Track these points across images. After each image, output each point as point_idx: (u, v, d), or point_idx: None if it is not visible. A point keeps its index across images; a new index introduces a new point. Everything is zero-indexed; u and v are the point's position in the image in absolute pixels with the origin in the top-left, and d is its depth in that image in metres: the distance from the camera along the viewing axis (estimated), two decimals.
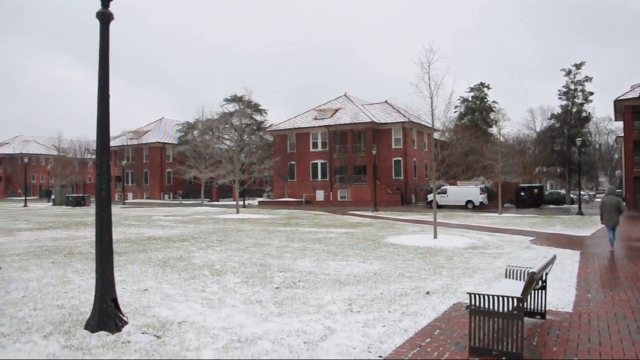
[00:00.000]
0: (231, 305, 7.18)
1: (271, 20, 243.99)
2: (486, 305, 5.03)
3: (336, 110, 54.46)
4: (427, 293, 8.05)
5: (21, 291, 8.15)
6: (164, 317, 6.46)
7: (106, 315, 5.81)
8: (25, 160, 54.88)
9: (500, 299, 4.96)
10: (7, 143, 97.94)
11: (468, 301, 5.31)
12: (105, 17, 5.90)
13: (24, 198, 56.77)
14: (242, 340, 5.56)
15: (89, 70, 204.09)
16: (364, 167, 50.09)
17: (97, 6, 5.92)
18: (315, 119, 54.63)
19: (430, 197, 42.39)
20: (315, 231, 19.67)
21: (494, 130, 55.79)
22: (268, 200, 55.24)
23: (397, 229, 20.94)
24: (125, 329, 5.86)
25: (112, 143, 71.59)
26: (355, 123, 50.10)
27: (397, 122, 50.05)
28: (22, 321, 6.33)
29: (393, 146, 50.40)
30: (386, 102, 55.58)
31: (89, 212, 34.87)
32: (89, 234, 18.42)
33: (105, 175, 5.79)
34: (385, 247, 14.41)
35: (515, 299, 4.92)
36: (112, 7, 5.98)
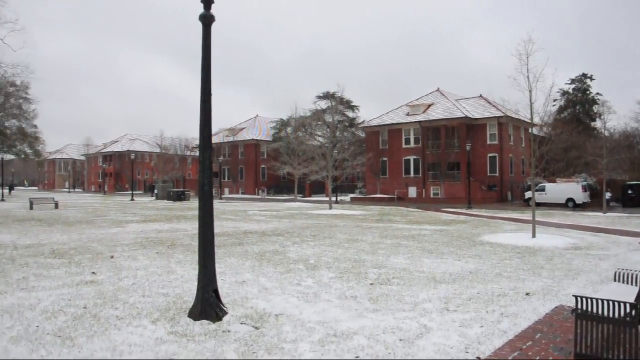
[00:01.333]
0: (326, 299, 7.27)
1: (361, 15, 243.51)
2: (594, 310, 4.72)
3: (429, 106, 53.56)
4: (527, 294, 7.75)
5: (131, 279, 8.69)
6: (261, 309, 6.65)
7: (208, 304, 6.06)
8: (132, 157, 58.42)
9: (611, 303, 4.61)
10: (116, 141, 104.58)
11: (573, 304, 5.05)
12: (207, 20, 6.14)
13: (130, 192, 60.41)
14: (338, 334, 5.61)
15: (186, 71, 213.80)
16: (457, 164, 48.89)
17: (199, 9, 6.17)
18: (408, 114, 54.00)
19: (527, 194, 40.67)
20: (409, 228, 19.48)
21: (597, 124, 52.65)
22: (360, 196, 55.30)
23: (492, 227, 20.30)
24: (225, 318, 6.09)
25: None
26: (448, 118, 49.00)
27: (493, 117, 48.41)
28: (133, 306, 6.76)
29: (488, 142, 48.82)
30: (481, 96, 53.95)
31: (189, 207, 36.51)
32: (189, 227, 19.29)
33: (208, 171, 6.04)
34: (480, 245, 14.02)
35: (628, 305, 4.57)
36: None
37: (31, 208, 31.83)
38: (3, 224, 20.36)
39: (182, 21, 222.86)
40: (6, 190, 67.49)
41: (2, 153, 69.48)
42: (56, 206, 32.91)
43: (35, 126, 73.55)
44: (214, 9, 6.19)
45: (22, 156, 76.17)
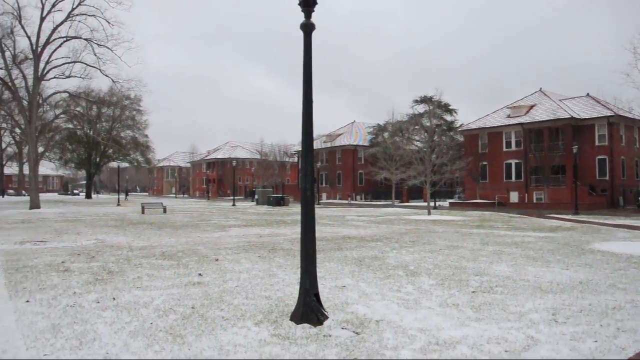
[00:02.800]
0: (427, 306, 7.15)
1: (455, 14, 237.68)
2: None
3: (531, 107, 51.39)
4: None
5: (235, 281, 9.01)
6: (361, 315, 6.66)
7: (309, 308, 6.15)
8: (234, 163, 60.65)
9: None
10: (219, 149, 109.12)
11: None
12: (308, 28, 6.26)
13: (232, 198, 62.64)
14: (440, 343, 5.50)
15: (282, 78, 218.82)
16: (562, 167, 46.43)
17: (299, 18, 6.30)
18: (509, 116, 52.13)
19: None
20: (511, 234, 18.76)
21: None
22: (459, 201, 54.02)
23: (603, 234, 19.10)
24: (326, 323, 6.15)
25: None
26: (552, 120, 46.71)
27: (602, 117, 45.58)
28: (237, 308, 7.00)
29: (596, 143, 46.01)
30: (588, 95, 51.04)
31: (288, 212, 37.32)
32: (289, 231, 19.70)
33: (310, 177, 6.14)
34: (590, 253, 13.22)
35: None
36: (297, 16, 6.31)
37: (143, 212, 33.86)
38: (119, 227, 21.80)
39: (277, 29, 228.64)
40: (122, 196, 72.22)
41: (118, 161, 74.60)
42: (165, 211, 34.79)
43: (146, 136, 78.49)
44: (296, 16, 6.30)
45: (135, 164, 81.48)
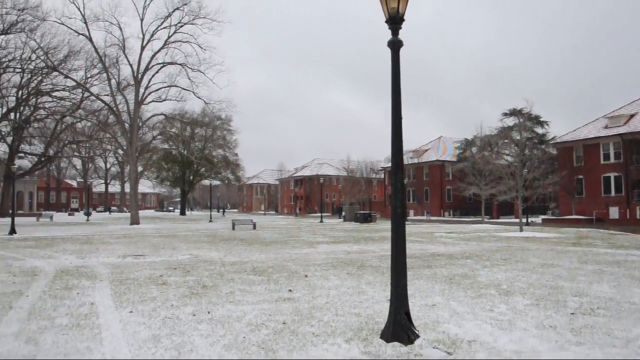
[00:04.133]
0: (522, 328, 6.89)
1: (535, 22, 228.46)
2: None
3: (631, 116, 48.42)
4: None
5: (324, 297, 9.09)
6: (453, 334, 6.52)
7: (400, 327, 6.10)
8: (321, 180, 61.41)
9: None
10: (306, 166, 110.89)
11: None
12: (395, 45, 6.29)
13: (319, 214, 63.25)
14: None
15: (365, 94, 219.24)
16: None
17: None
18: (606, 127, 49.40)
19: None
20: (612, 252, 17.69)
21: None
22: (553, 217, 51.64)
23: None
24: (417, 342, 6.07)
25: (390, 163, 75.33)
26: None
27: None
28: (327, 324, 7.06)
29: None
30: None
31: (375, 228, 37.19)
32: (377, 248, 19.62)
33: (400, 194, 6.13)
34: None
35: None
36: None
37: (233, 229, 34.92)
38: (212, 242, 22.61)
39: (360, 46, 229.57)
40: (218, 213, 74.86)
41: (210, 179, 77.69)
42: (254, 227, 35.69)
43: (236, 154, 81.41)
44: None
45: (226, 182, 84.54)
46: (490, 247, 20.41)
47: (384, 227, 40.14)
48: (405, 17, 6.25)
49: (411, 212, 72.23)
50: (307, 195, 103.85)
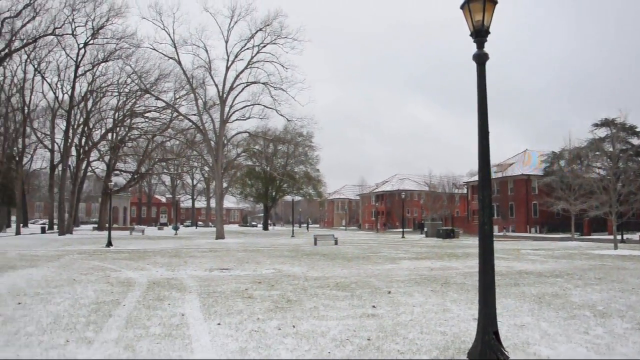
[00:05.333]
0: (622, 353, 6.49)
1: (615, 28, 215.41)
2: None
3: None
4: None
5: (408, 315, 8.98)
6: (545, 356, 6.27)
7: (488, 347, 5.92)
8: (402, 196, 60.82)
9: None
10: (387, 181, 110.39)
11: None
12: (481, 58, 6.19)
13: (401, 230, 62.65)
14: None
15: (442, 107, 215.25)
16: None
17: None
18: None
19: None
20: None
21: None
22: None
23: None
24: None
25: (474, 178, 73.67)
26: None
27: None
28: (412, 342, 6.97)
29: None
30: None
31: (459, 245, 36.35)
32: (461, 265, 19.17)
33: (488, 210, 5.98)
34: None
35: None
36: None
37: (315, 244, 35.21)
38: (294, 257, 22.91)
39: (438, 59, 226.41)
40: (300, 228, 75.96)
41: (292, 195, 79.09)
42: (336, 242, 35.82)
43: (318, 170, 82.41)
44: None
45: (308, 197, 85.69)
46: (582, 265, 19.43)
47: (467, 243, 39.17)
48: (490, 30, 6.15)
49: (495, 227, 70.06)
50: (388, 210, 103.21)
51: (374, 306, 9.85)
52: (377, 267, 18.25)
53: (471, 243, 38.68)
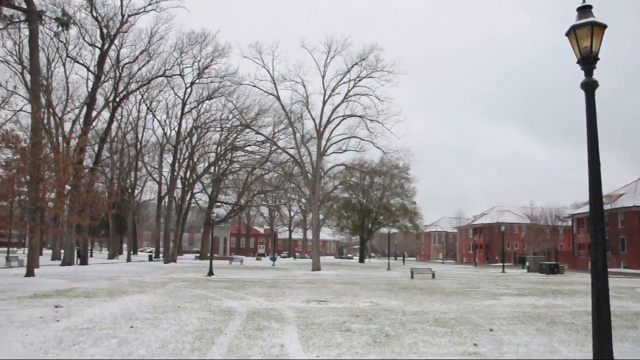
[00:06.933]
0: None
1: None
2: None
3: None
4: None
5: (513, 354, 8.57)
6: None
7: None
8: (502, 228, 58.70)
9: None
10: (486, 213, 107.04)
11: None
12: (589, 86, 5.96)
13: (501, 264, 60.24)
14: None
15: (536, 135, 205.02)
16: None
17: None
18: None
19: None
20: None
21: None
22: None
23: None
24: None
25: (579, 210, 69.80)
26: None
27: None
28: None
29: None
30: None
31: (564, 281, 34.36)
32: (568, 303, 18.09)
33: (600, 246, 5.65)
34: None
35: None
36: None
37: (412, 277, 34.57)
38: (391, 290, 22.61)
39: (528, 85, 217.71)
40: (394, 260, 75.03)
41: (388, 227, 78.62)
42: (433, 276, 34.96)
43: (414, 202, 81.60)
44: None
45: (404, 230, 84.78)
46: None
47: (573, 279, 36.93)
48: (599, 56, 5.91)
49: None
50: (487, 243, 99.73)
51: (475, 344, 9.48)
52: (477, 303, 17.60)
53: (578, 279, 36.44)
